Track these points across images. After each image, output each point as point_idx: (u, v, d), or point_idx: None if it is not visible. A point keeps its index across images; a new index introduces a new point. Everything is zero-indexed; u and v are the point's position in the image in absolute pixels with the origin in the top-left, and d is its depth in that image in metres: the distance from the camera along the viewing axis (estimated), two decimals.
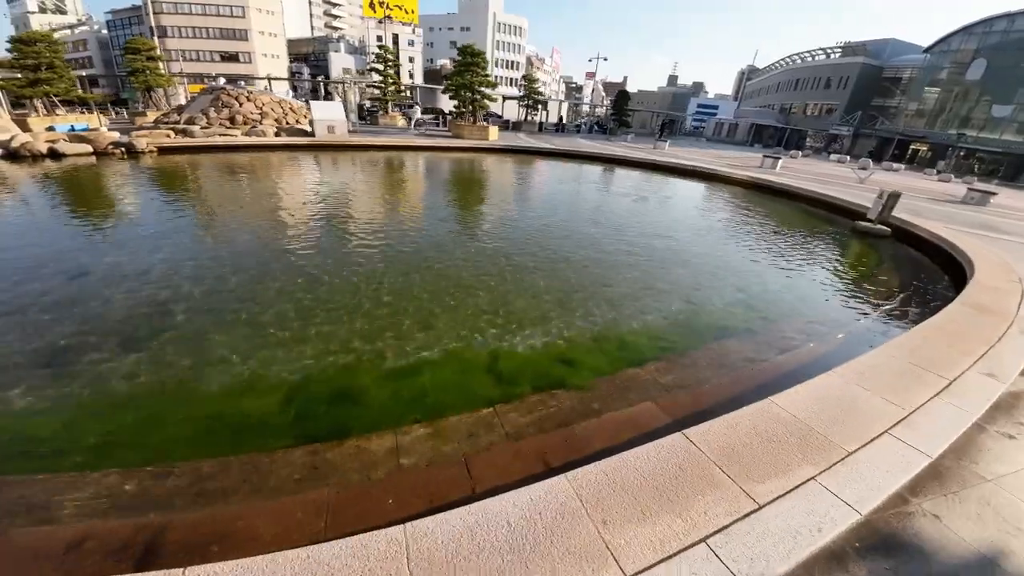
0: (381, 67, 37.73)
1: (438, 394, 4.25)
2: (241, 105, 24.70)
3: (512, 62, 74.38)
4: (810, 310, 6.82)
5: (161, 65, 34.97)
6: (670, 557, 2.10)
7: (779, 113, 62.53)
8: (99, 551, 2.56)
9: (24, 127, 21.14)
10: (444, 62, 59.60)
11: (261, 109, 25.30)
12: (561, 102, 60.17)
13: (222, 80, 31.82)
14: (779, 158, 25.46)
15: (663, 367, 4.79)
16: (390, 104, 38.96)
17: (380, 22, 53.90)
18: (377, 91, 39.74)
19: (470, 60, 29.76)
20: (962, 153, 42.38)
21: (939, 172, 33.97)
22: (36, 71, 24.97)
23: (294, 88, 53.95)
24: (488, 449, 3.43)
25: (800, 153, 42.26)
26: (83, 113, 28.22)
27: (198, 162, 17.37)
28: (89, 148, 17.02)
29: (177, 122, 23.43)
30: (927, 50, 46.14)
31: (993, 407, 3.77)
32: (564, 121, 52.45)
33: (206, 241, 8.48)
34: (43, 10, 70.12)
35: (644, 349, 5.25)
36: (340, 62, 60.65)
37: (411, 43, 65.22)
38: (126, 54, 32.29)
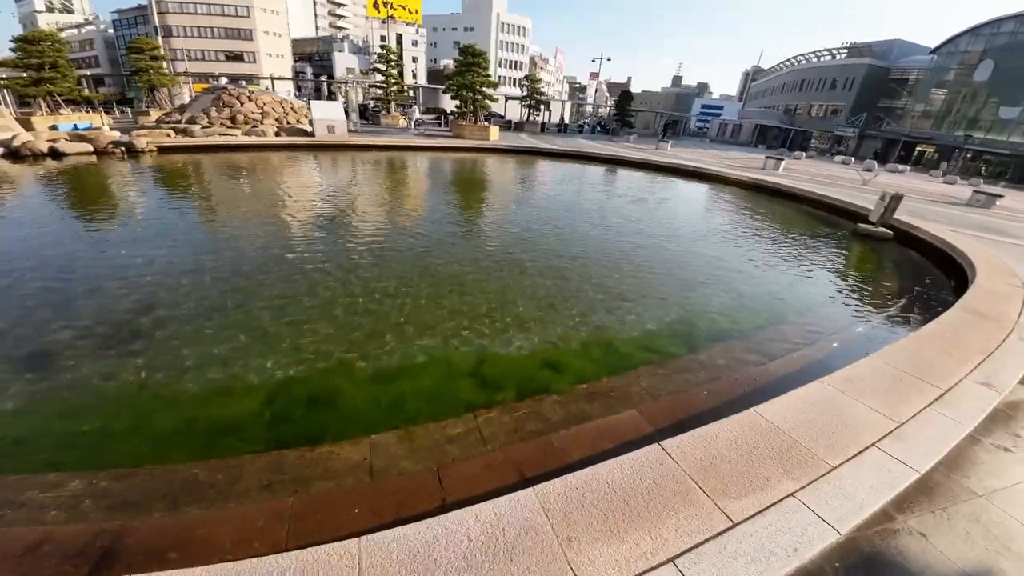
0: (383, 67, 37.75)
1: (418, 400, 4.16)
2: (242, 105, 24.74)
3: (516, 62, 74.32)
4: (806, 315, 6.68)
5: (164, 65, 35.12)
6: None
7: (784, 114, 62.11)
8: (56, 555, 2.51)
9: (28, 126, 21.26)
10: (447, 62, 59.54)
11: (262, 109, 25.33)
12: (564, 102, 60.03)
13: (223, 80, 31.90)
14: (782, 159, 25.24)
15: (650, 373, 4.68)
16: (392, 104, 38.96)
17: (384, 22, 53.94)
18: (380, 91, 39.76)
19: (471, 60, 29.72)
20: (969, 155, 41.95)
21: (944, 174, 33.60)
22: (40, 70, 25.11)
23: (298, 88, 54.14)
24: (463, 458, 3.34)
25: (804, 154, 41.93)
26: (87, 112, 28.38)
27: (196, 162, 17.39)
28: (89, 147, 17.06)
29: (178, 121, 23.48)
30: (934, 51, 45.70)
31: (989, 418, 3.64)
32: (566, 121, 52.30)
33: (192, 241, 8.43)
34: (50, 9, 70.77)
35: (633, 354, 5.14)
36: (344, 62, 60.82)
37: (415, 43, 65.30)
38: (129, 53, 32.46)
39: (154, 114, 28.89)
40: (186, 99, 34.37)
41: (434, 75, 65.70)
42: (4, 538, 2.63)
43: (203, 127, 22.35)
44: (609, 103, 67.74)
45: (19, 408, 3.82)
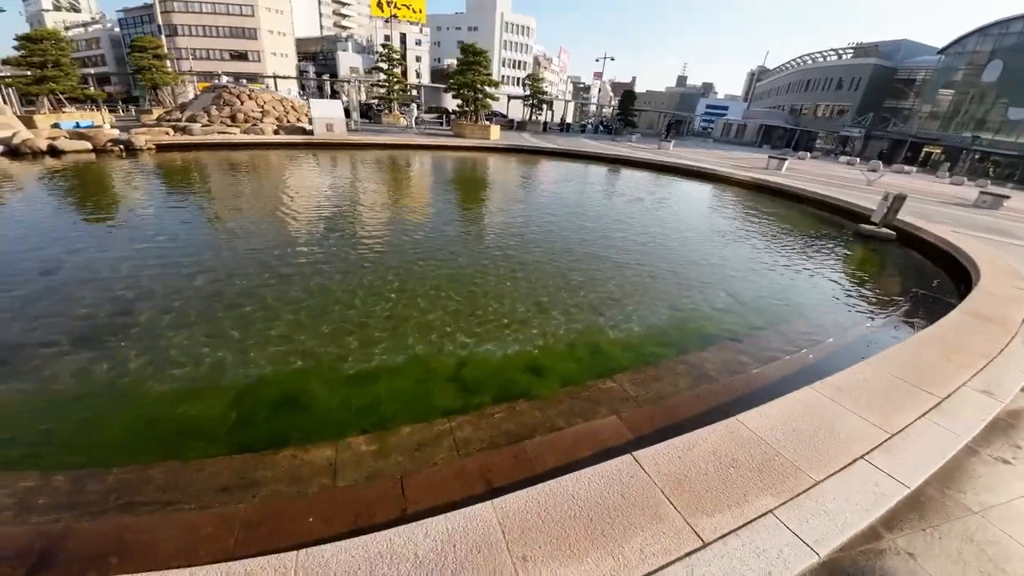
0: (385, 66, 37.65)
1: (391, 403, 4.02)
2: (242, 103, 24.73)
3: (519, 62, 74.06)
4: (802, 318, 6.48)
5: (168, 63, 35.20)
6: None
7: (789, 114, 61.51)
8: None
9: (30, 124, 21.32)
10: (451, 62, 59.37)
11: (262, 107, 25.31)
12: (568, 102, 59.71)
13: (224, 78, 31.94)
14: (785, 159, 24.92)
15: (635, 378, 4.51)
16: (395, 103, 38.87)
17: (387, 21, 53.84)
18: (382, 90, 39.68)
19: (472, 59, 29.58)
20: (977, 156, 41.32)
21: (951, 174, 33.11)
22: (43, 68, 25.19)
23: (302, 87, 54.19)
24: (430, 466, 3.19)
25: (808, 154, 41.48)
26: (91, 110, 28.47)
27: (194, 159, 17.34)
28: (88, 145, 17.06)
29: (179, 120, 23.49)
30: (941, 51, 45.06)
31: (988, 428, 3.45)
32: (569, 121, 52.01)
33: (178, 239, 8.32)
34: (57, 8, 71.29)
35: (619, 358, 4.97)
36: (348, 61, 60.78)
37: (418, 42, 65.16)
38: (133, 52, 32.54)
39: (156, 112, 28.96)
40: (191, 97, 34.48)
41: (438, 74, 65.54)
42: None
43: (203, 125, 22.34)
44: (613, 103, 67.39)
45: None
